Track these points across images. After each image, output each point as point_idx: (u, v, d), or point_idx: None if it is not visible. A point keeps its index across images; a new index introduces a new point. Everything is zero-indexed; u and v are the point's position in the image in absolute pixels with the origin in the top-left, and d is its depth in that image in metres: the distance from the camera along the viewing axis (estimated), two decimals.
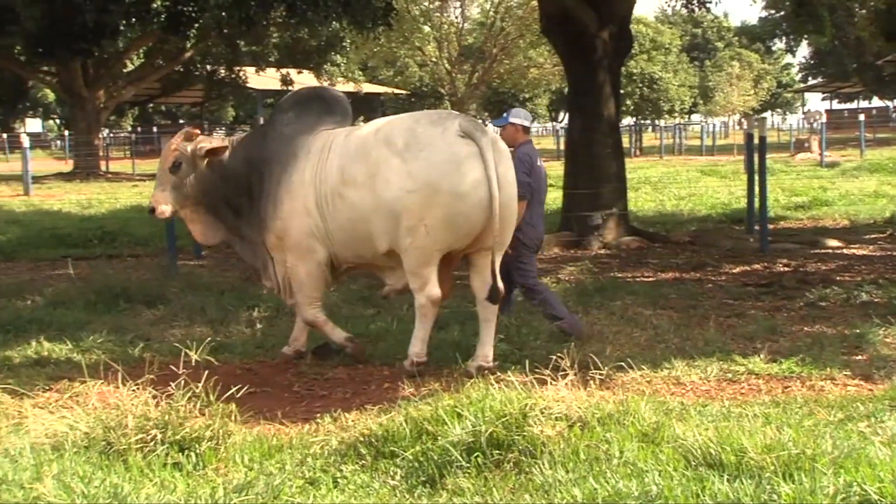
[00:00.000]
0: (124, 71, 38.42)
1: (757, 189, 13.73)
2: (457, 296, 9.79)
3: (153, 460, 5.01)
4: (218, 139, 7.79)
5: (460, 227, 6.94)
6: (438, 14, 52.39)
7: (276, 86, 42.97)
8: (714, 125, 60.69)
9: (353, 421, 5.94)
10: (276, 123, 7.69)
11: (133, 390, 5.56)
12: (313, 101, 7.74)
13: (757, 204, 13.79)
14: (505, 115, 8.41)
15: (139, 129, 63.25)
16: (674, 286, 10.56)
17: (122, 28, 27.05)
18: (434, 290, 7.12)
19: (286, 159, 7.40)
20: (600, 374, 6.11)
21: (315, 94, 7.98)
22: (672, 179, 25.76)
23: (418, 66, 60.50)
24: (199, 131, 7.70)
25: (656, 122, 67.71)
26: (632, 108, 63.65)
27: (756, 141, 13.71)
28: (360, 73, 52.80)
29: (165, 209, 7.67)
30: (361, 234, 7.15)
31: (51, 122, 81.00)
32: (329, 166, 7.23)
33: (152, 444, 5.10)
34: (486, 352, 7.26)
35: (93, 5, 25.44)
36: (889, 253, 12.88)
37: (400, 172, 6.89)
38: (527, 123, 8.30)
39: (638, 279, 11.10)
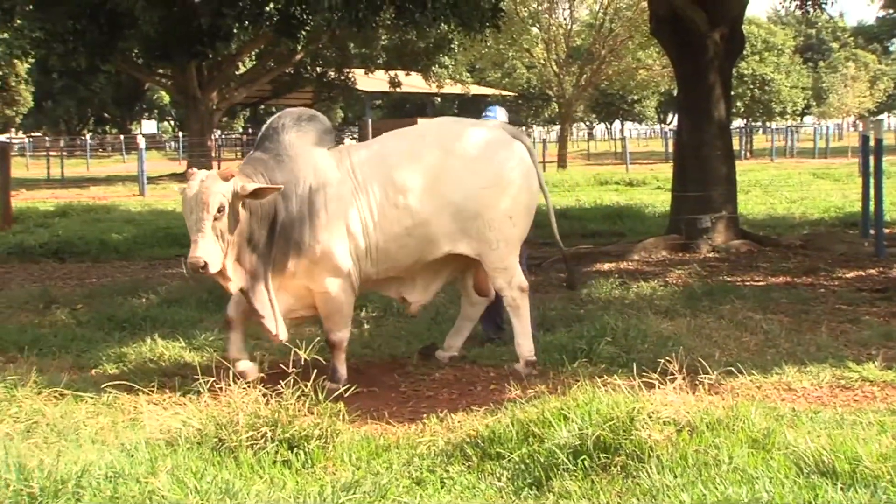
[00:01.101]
0: (236, 73, 39.07)
1: (872, 192, 13.45)
2: (562, 297, 9.79)
3: (263, 457, 5.10)
4: (244, 175, 6.81)
5: (531, 216, 7.41)
6: (547, 16, 52.26)
7: (385, 87, 43.34)
8: (827, 127, 59.43)
9: (459, 422, 5.99)
10: (282, 146, 6.98)
11: (244, 388, 5.68)
12: (304, 121, 7.11)
13: (872, 208, 13.50)
14: (490, 111, 8.66)
15: (250, 130, 64.27)
16: (785, 290, 10.38)
17: (235, 31, 27.51)
18: (522, 279, 7.34)
19: (314, 183, 6.89)
20: (709, 379, 6.05)
21: (305, 115, 7.19)
22: (783, 182, 25.33)
23: (526, 67, 60.53)
24: (235, 170, 6.78)
25: (767, 124, 66.53)
26: (742, 109, 62.54)
27: (872, 143, 13.43)
28: (468, 74, 52.83)
29: (217, 263, 6.55)
30: (419, 239, 7.10)
31: (165, 123, 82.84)
32: (365, 182, 7.01)
33: (262, 441, 5.20)
34: (454, 343, 7.85)
35: (208, 9, 25.96)
36: None
37: (463, 172, 7.06)
38: (506, 121, 8.51)
39: (747, 283, 10.93)
